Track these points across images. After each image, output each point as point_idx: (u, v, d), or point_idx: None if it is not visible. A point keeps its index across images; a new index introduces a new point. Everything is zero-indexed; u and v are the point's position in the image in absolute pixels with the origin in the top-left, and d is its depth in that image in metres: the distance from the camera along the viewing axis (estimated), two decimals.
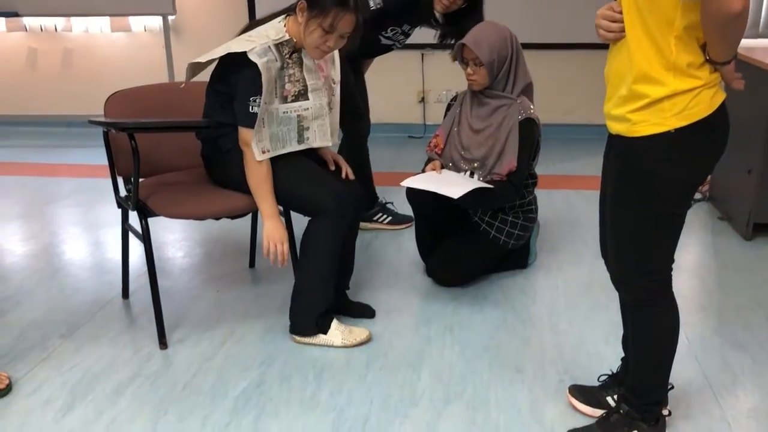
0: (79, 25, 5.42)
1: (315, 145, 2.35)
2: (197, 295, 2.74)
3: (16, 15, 4.97)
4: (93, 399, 2.05)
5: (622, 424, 1.79)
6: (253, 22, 2.35)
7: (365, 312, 2.52)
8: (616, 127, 1.60)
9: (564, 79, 5.01)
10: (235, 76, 2.20)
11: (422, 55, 5.06)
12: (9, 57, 5.50)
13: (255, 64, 2.13)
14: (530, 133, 2.61)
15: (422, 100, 5.18)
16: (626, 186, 1.60)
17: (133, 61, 5.35)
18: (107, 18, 5.32)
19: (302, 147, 2.32)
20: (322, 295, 2.33)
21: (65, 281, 2.87)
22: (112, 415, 1.98)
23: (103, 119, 2.37)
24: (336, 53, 2.42)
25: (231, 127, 2.26)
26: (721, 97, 1.52)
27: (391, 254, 3.12)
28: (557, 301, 2.65)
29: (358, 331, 2.37)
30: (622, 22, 1.51)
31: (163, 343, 2.33)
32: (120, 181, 2.50)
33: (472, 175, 2.67)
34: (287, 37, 2.22)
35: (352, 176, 2.44)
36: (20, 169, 4.57)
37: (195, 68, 2.35)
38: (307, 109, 2.29)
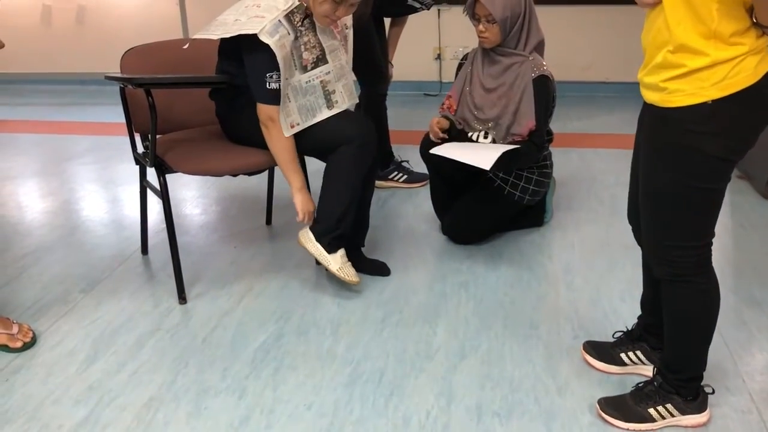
0: None
1: (344, 106, 2.34)
2: (215, 251, 2.77)
3: None
4: (115, 351, 2.10)
5: (655, 395, 1.73)
6: None
7: (381, 270, 2.54)
8: (650, 96, 1.50)
9: (580, 36, 4.93)
10: (247, 57, 2.18)
11: (439, 11, 4.98)
12: (23, 15, 5.48)
13: (267, 49, 2.10)
14: (545, 91, 2.56)
15: (438, 57, 5.12)
16: (659, 158, 1.50)
17: (147, 17, 5.32)
18: None
19: (334, 112, 2.31)
20: (341, 224, 2.32)
21: (85, 237, 2.91)
22: (134, 367, 2.02)
23: (119, 75, 2.37)
24: None
25: (245, 87, 2.25)
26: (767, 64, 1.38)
27: (406, 212, 3.13)
28: (573, 258, 2.66)
29: (353, 273, 2.35)
30: None
31: (182, 297, 2.37)
32: (137, 138, 2.51)
33: (486, 136, 2.65)
34: (297, 2, 2.18)
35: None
36: (36, 127, 4.59)
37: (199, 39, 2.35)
38: (329, 72, 2.28)
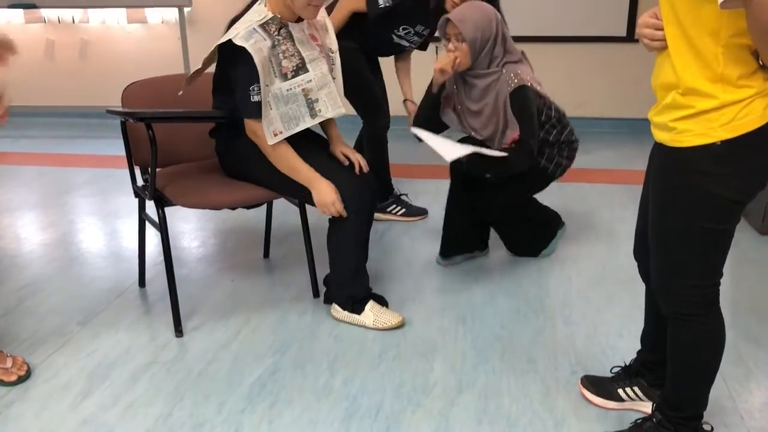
0: (96, 16, 5.47)
1: (329, 115, 2.32)
2: (212, 284, 2.77)
3: (34, 7, 5.01)
4: (110, 385, 2.08)
5: None
6: (234, 18, 2.33)
7: (378, 302, 2.54)
8: (659, 136, 1.50)
9: (575, 73, 5.00)
10: (231, 71, 2.22)
11: (436, 48, 5.05)
12: (27, 48, 5.55)
13: (245, 51, 2.13)
14: (524, 100, 2.49)
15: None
16: (668, 197, 1.50)
17: (149, 52, 5.40)
18: (124, 10, 5.37)
19: (317, 120, 2.30)
20: (357, 285, 2.40)
21: (83, 269, 2.91)
22: (129, 400, 2.01)
23: (120, 109, 2.39)
24: (329, 23, 2.43)
25: (242, 126, 2.28)
26: None
27: (404, 245, 3.13)
28: (570, 293, 2.66)
29: (390, 314, 2.41)
30: None
31: (178, 330, 2.36)
32: (137, 171, 2.53)
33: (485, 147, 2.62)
34: (270, 15, 2.21)
35: (366, 168, 2.43)
36: (37, 160, 4.62)
37: (193, 76, 2.42)
38: (310, 80, 2.26)
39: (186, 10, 5.04)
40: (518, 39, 4.69)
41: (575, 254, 3.01)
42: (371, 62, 3.29)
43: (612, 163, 4.33)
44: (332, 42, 2.42)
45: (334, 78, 2.37)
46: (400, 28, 3.07)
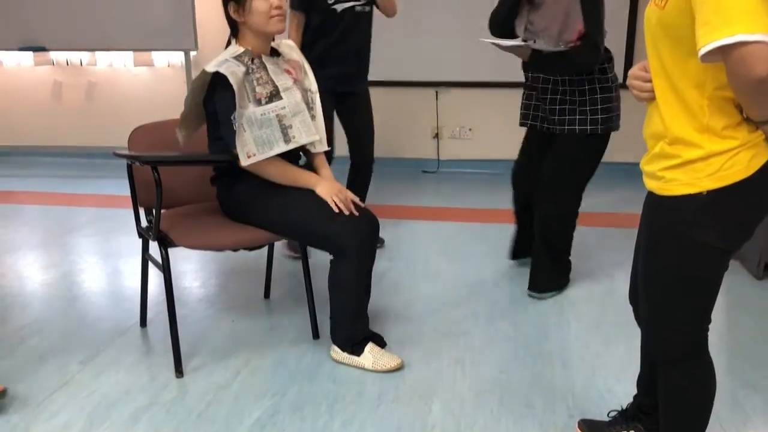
0: (104, 59, 5.59)
1: (302, 141, 2.39)
2: (213, 324, 2.79)
3: (44, 50, 5.13)
4: (110, 425, 2.09)
5: None
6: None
7: (376, 340, 2.55)
8: (649, 184, 1.54)
9: None
10: (210, 105, 2.33)
11: (437, 92, 5.16)
12: (35, 90, 5.66)
13: (219, 76, 2.24)
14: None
15: (436, 135, 5.26)
16: (657, 244, 1.54)
17: (154, 95, 5.50)
18: (131, 53, 5.49)
19: (291, 146, 2.37)
20: (357, 327, 2.43)
21: (85, 309, 2.93)
22: None
23: (127, 152, 2.45)
24: (307, 66, 2.54)
25: (242, 173, 2.36)
26: (763, 158, 1.40)
27: (404, 286, 3.16)
28: (569, 336, 2.67)
29: (389, 357, 2.42)
30: None
31: (179, 371, 2.38)
32: (141, 212, 2.57)
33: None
34: (242, 49, 2.33)
35: (361, 203, 2.45)
36: (42, 199, 4.67)
37: (184, 125, 2.52)
38: (284, 107, 2.34)
39: (192, 53, 5.16)
40: (515, 85, 4.80)
41: (574, 297, 3.03)
42: (344, 101, 3.38)
43: (609, 206, 4.38)
44: (311, 83, 2.53)
45: (314, 116, 2.46)
46: None
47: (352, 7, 3.27)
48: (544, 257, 3.03)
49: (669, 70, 1.41)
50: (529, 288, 3.05)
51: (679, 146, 1.42)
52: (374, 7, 3.38)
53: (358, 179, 3.53)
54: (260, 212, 2.39)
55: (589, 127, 2.83)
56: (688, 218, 1.44)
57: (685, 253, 1.48)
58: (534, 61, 2.72)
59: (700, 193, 1.42)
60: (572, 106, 2.83)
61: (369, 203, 2.64)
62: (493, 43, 2.69)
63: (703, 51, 1.25)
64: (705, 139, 1.39)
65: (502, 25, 2.81)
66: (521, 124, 3.11)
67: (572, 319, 2.83)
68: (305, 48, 3.20)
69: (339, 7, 3.22)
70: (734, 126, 1.38)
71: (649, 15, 1.45)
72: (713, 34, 1.23)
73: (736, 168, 1.39)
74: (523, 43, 2.66)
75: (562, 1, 2.64)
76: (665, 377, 1.65)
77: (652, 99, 1.48)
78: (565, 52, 2.64)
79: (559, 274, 3.09)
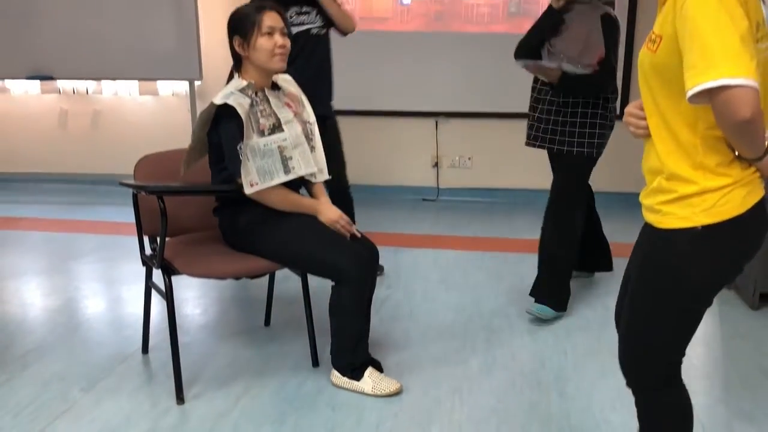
0: (109, 88, 5.68)
1: (301, 172, 2.47)
2: (214, 351, 2.82)
3: (51, 78, 5.23)
4: None
5: None
6: None
7: (375, 366, 2.58)
8: (647, 216, 1.58)
9: None
10: (216, 134, 2.40)
11: (436, 122, 5.24)
12: (42, 117, 5.75)
13: (228, 107, 2.32)
14: (612, 27, 2.91)
15: (436, 164, 5.33)
16: (648, 273, 1.57)
17: (159, 123, 5.58)
18: (136, 82, 5.58)
19: (291, 177, 2.44)
20: (357, 353, 2.47)
21: (87, 335, 2.96)
22: None
23: (133, 182, 2.51)
24: (304, 98, 2.63)
25: (244, 203, 2.43)
26: (756, 195, 1.45)
27: (404, 314, 3.19)
28: (566, 365, 2.70)
29: (389, 381, 2.46)
30: None
31: (180, 398, 2.41)
32: (145, 239, 2.62)
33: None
34: (246, 82, 2.42)
35: (357, 234, 2.52)
36: (46, 225, 4.72)
37: (189, 157, 2.58)
38: (285, 139, 2.43)
39: (196, 83, 5.25)
40: (514, 115, 4.87)
41: (569, 326, 3.07)
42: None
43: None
44: (309, 114, 2.62)
45: (313, 147, 2.55)
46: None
47: (308, 30, 3.35)
48: (549, 276, 3.15)
49: (662, 109, 1.46)
50: (531, 293, 3.19)
51: (676, 182, 1.47)
52: (331, 29, 3.44)
53: (340, 208, 3.53)
54: (261, 242, 2.44)
55: (586, 150, 3.01)
56: (683, 251, 1.48)
57: (676, 285, 1.52)
58: (561, 82, 2.91)
59: (695, 228, 1.45)
60: (572, 128, 3.00)
61: (369, 231, 2.68)
62: (529, 64, 2.93)
63: (690, 93, 1.30)
64: (699, 176, 1.43)
65: (533, 50, 2.99)
66: (527, 144, 3.24)
67: (569, 348, 2.86)
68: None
69: (294, 29, 3.30)
70: (727, 164, 1.42)
71: (643, 58, 1.50)
72: (699, 77, 1.28)
73: (731, 205, 1.43)
74: (555, 65, 2.88)
75: (583, 28, 2.89)
76: (641, 406, 1.69)
77: (648, 136, 1.53)
78: (588, 75, 2.87)
79: (559, 295, 3.14)
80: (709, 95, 1.29)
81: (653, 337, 1.58)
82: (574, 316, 3.17)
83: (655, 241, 1.56)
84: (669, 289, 1.53)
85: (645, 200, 1.59)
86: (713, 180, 1.43)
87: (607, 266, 3.52)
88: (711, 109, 1.35)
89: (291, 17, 3.30)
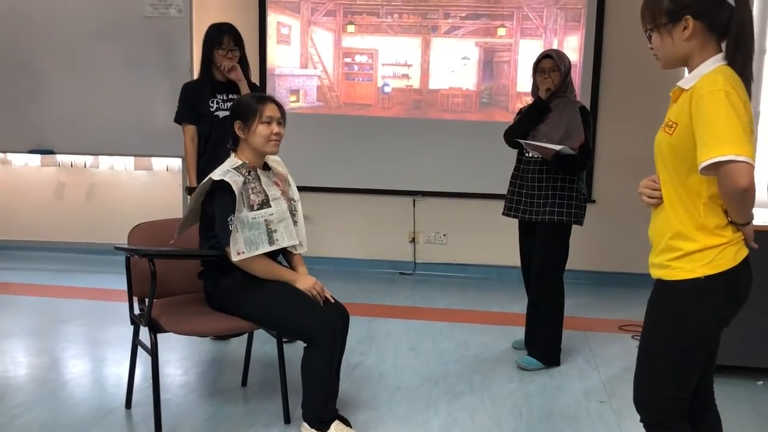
0: (106, 162, 6.00)
1: (285, 243, 2.75)
2: (193, 408, 3.01)
3: (52, 152, 5.56)
4: None
5: None
6: None
7: (342, 421, 2.75)
8: (656, 273, 1.89)
9: None
10: (210, 206, 2.69)
11: (414, 200, 5.57)
12: (40, 188, 6.03)
13: (224, 182, 2.61)
14: (588, 117, 3.52)
15: (413, 240, 5.62)
16: (659, 320, 1.87)
17: (151, 196, 5.86)
18: (132, 157, 5.90)
19: (273, 248, 2.71)
20: (325, 408, 2.68)
21: (74, 391, 3.15)
22: None
23: (127, 246, 2.77)
24: (291, 179, 2.96)
25: (227, 268, 2.69)
26: (744, 252, 1.81)
27: (373, 379, 3.39)
28: (520, 427, 2.90)
29: None
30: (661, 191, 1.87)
31: None
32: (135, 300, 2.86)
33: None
34: (240, 162, 2.74)
35: (332, 299, 2.78)
36: (38, 290, 4.92)
37: (183, 224, 2.87)
38: (272, 214, 2.72)
39: None
40: (486, 196, 5.20)
41: (526, 391, 3.28)
42: None
43: (571, 310, 4.67)
44: (294, 192, 2.94)
45: (296, 221, 2.85)
46: (211, 102, 3.72)
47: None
48: (542, 337, 3.57)
49: (675, 181, 1.82)
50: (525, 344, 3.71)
51: (680, 240, 1.82)
52: None
53: None
54: (241, 304, 2.69)
55: (564, 218, 3.47)
56: (690, 297, 1.82)
57: (682, 325, 1.84)
58: (553, 159, 3.39)
59: (699, 278, 1.80)
60: (553, 199, 3.47)
61: (347, 301, 2.94)
62: (528, 143, 3.42)
63: (702, 165, 1.68)
64: (700, 235, 1.78)
65: (522, 135, 3.52)
66: (504, 214, 3.69)
67: (525, 411, 3.07)
68: (202, 156, 3.74)
69: (221, 113, 3.71)
70: (723, 226, 1.78)
71: (660, 140, 1.87)
72: (711, 153, 1.66)
73: (726, 259, 1.78)
74: (551, 145, 3.34)
75: (565, 117, 3.46)
76: None
77: (659, 204, 1.89)
78: (574, 155, 3.39)
79: (552, 355, 3.56)
80: (716, 167, 1.67)
81: (662, 371, 1.88)
82: (534, 384, 3.39)
83: (664, 291, 1.89)
84: (676, 329, 1.85)
85: (655, 259, 1.93)
86: (712, 239, 1.79)
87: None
88: (713, 183, 1.74)
89: (218, 103, 3.74)
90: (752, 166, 1.65)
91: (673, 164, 1.82)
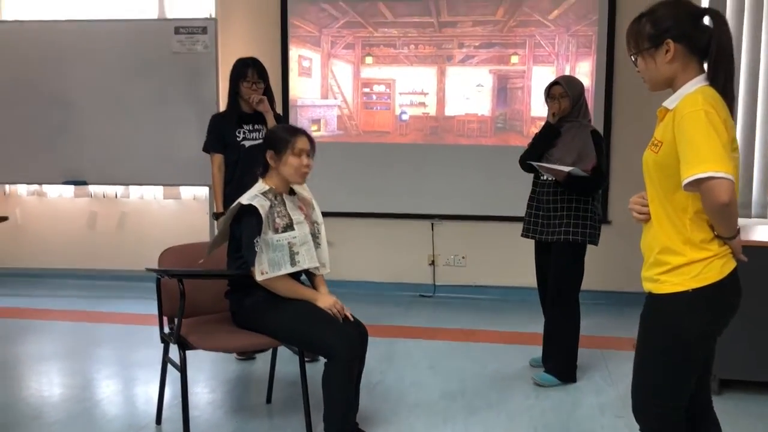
0: (136, 192, 6.23)
1: (306, 265, 2.90)
2: (220, 424, 3.15)
3: (85, 183, 5.80)
4: None
5: None
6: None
7: None
8: (647, 286, 1.97)
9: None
10: (238, 228, 2.84)
11: (432, 224, 5.69)
12: (72, 218, 6.27)
13: (252, 206, 2.77)
14: (601, 139, 3.62)
15: (432, 263, 5.73)
16: (652, 331, 1.96)
17: (179, 224, 6.05)
18: (161, 187, 6.13)
19: (296, 269, 2.86)
20: (346, 420, 2.79)
21: (107, 409, 3.31)
22: None
23: (158, 268, 2.94)
24: (315, 203, 3.10)
25: (252, 288, 2.83)
26: (731, 265, 1.89)
27: (393, 396, 3.50)
28: None
29: None
30: None
31: None
32: (165, 320, 3.02)
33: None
34: (268, 187, 2.90)
35: (351, 318, 2.91)
36: (72, 316, 5.12)
37: (213, 244, 3.04)
38: (295, 237, 2.87)
39: None
40: (503, 218, 5.30)
41: (542, 407, 3.36)
42: None
43: (589, 329, 4.73)
44: (317, 216, 3.09)
45: (318, 244, 2.99)
46: (237, 132, 3.88)
47: (260, 144, 3.77)
48: (558, 353, 3.67)
49: (662, 197, 1.91)
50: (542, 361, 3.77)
51: (668, 255, 1.91)
52: None
53: None
54: (264, 321, 2.83)
55: (579, 238, 3.57)
56: (679, 309, 1.91)
57: (673, 336, 1.92)
58: (565, 181, 3.49)
59: (686, 291, 1.89)
60: (568, 219, 3.57)
61: (368, 323, 3.06)
62: (540, 165, 3.54)
63: (684, 182, 1.79)
64: (687, 249, 1.88)
65: (534, 159, 3.62)
66: (523, 235, 3.80)
67: (540, 426, 3.15)
68: (229, 183, 3.90)
69: (246, 143, 3.89)
70: (709, 240, 1.86)
71: (647, 158, 1.98)
72: (692, 170, 1.77)
73: (713, 272, 1.85)
74: (561, 167, 3.47)
75: (577, 141, 3.54)
76: None
77: (648, 220, 1.99)
78: (588, 177, 3.49)
79: (568, 371, 3.65)
80: (698, 184, 1.77)
81: (656, 380, 1.97)
82: (550, 400, 3.47)
83: (655, 304, 1.98)
84: (668, 340, 1.93)
85: (645, 273, 2.03)
86: (698, 252, 1.88)
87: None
88: (698, 198, 1.84)
89: (244, 133, 3.92)
90: (732, 182, 1.74)
91: (660, 181, 1.92)
